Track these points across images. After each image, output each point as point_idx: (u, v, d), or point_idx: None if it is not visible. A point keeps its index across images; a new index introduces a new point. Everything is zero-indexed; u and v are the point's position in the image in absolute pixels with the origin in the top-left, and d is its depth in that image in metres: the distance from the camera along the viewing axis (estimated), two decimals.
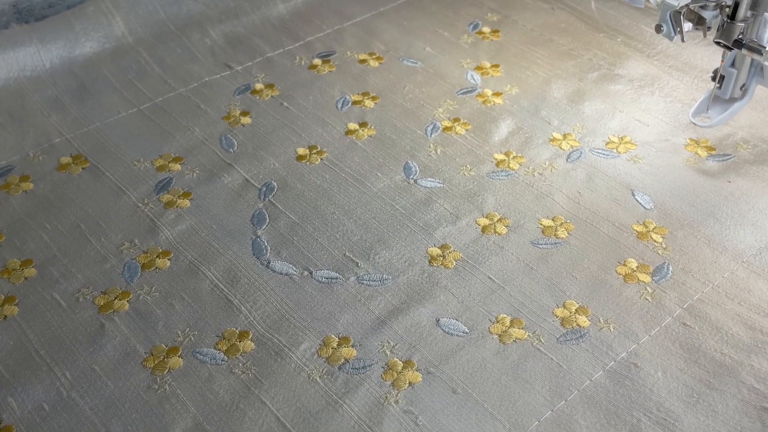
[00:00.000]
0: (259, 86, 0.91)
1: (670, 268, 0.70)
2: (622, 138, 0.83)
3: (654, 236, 0.72)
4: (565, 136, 0.83)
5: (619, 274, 0.69)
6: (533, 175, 0.79)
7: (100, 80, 0.92)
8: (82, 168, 0.81)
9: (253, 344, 0.64)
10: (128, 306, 0.68)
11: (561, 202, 0.76)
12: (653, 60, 0.94)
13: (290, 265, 0.71)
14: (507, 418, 0.59)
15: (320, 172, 0.80)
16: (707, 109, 0.81)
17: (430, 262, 0.71)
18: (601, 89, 0.90)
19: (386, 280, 0.69)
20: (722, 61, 0.79)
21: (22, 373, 0.63)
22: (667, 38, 0.78)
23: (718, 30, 0.77)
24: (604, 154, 0.81)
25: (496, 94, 0.89)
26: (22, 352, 0.64)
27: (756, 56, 0.75)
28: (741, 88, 0.80)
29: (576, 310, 0.66)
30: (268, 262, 0.71)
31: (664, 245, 0.72)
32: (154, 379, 0.62)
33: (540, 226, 0.74)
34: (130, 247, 0.73)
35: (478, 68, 0.93)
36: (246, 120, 0.87)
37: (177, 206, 0.76)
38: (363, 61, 0.94)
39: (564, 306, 0.67)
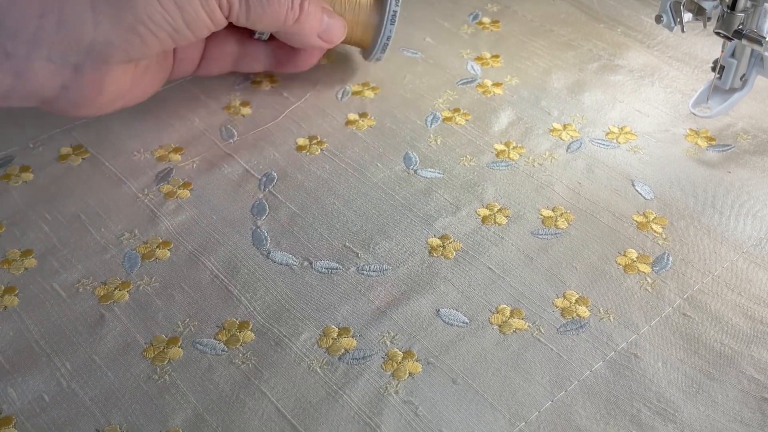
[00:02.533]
0: (259, 76, 0.91)
1: (670, 259, 0.70)
2: (622, 128, 0.83)
3: (654, 226, 0.72)
4: (565, 126, 0.83)
5: (619, 264, 0.69)
6: (533, 166, 0.79)
7: None
8: (82, 158, 0.81)
9: (253, 334, 0.64)
10: (128, 296, 0.68)
11: (561, 192, 0.76)
12: (653, 50, 0.94)
13: (290, 256, 0.71)
14: (507, 409, 0.59)
15: (320, 162, 0.80)
16: (707, 100, 0.81)
17: (430, 252, 0.71)
18: (601, 80, 0.90)
19: (386, 270, 0.69)
20: (722, 51, 0.79)
21: (21, 363, 0.63)
22: (667, 29, 0.79)
23: (718, 20, 0.76)
24: (604, 144, 0.81)
25: (496, 84, 0.89)
26: (22, 343, 0.64)
27: (756, 46, 0.75)
28: (741, 79, 0.80)
29: (576, 300, 0.66)
30: (268, 253, 0.71)
31: (664, 235, 0.72)
32: (154, 370, 0.62)
33: (540, 216, 0.74)
34: (130, 237, 0.73)
35: (478, 59, 0.93)
36: (246, 110, 0.87)
37: (177, 196, 0.76)
38: None
39: (564, 296, 0.67)
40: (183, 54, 0.81)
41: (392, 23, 0.84)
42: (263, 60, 0.87)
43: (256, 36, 0.85)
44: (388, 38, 0.85)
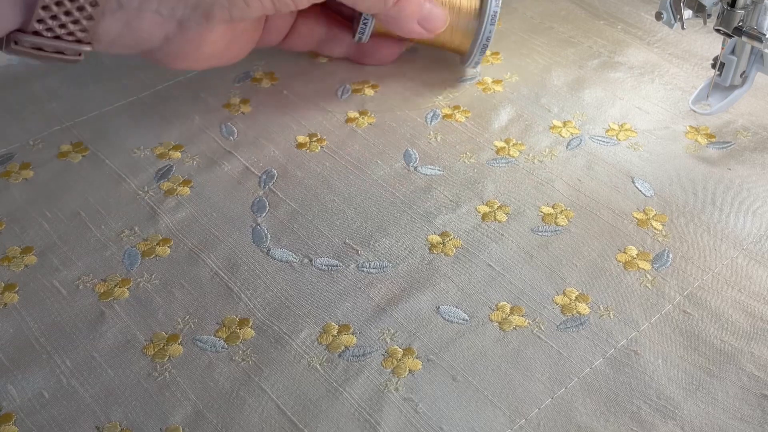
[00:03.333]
0: (259, 74, 0.91)
1: (670, 256, 0.70)
2: (622, 125, 0.83)
3: (654, 223, 0.72)
4: (565, 123, 0.83)
5: (619, 261, 0.69)
6: (533, 163, 0.79)
7: (99, 68, 0.92)
8: (82, 156, 0.81)
9: (253, 332, 0.64)
10: (128, 293, 0.68)
11: (561, 189, 0.76)
12: (653, 47, 0.94)
13: (290, 253, 0.71)
14: (507, 406, 0.59)
15: (320, 159, 0.80)
16: (707, 97, 0.81)
17: (430, 249, 0.71)
18: (601, 77, 0.90)
19: (386, 267, 0.69)
20: (722, 48, 0.79)
21: (22, 360, 0.63)
22: (667, 26, 0.78)
23: (718, 17, 0.76)
24: (604, 141, 0.81)
25: (496, 81, 0.89)
26: (22, 340, 0.64)
27: (756, 43, 0.75)
28: (741, 76, 0.79)
29: (576, 297, 0.66)
30: (268, 250, 0.71)
31: (664, 232, 0.72)
32: (154, 367, 0.62)
33: (540, 213, 0.74)
34: (131, 234, 0.73)
35: None
36: (246, 108, 0.87)
37: (177, 194, 0.76)
38: None
39: (564, 293, 0.67)
40: (273, 24, 0.83)
41: (492, 24, 0.84)
42: (347, 47, 0.91)
43: (356, 38, 0.87)
44: (488, 38, 0.85)
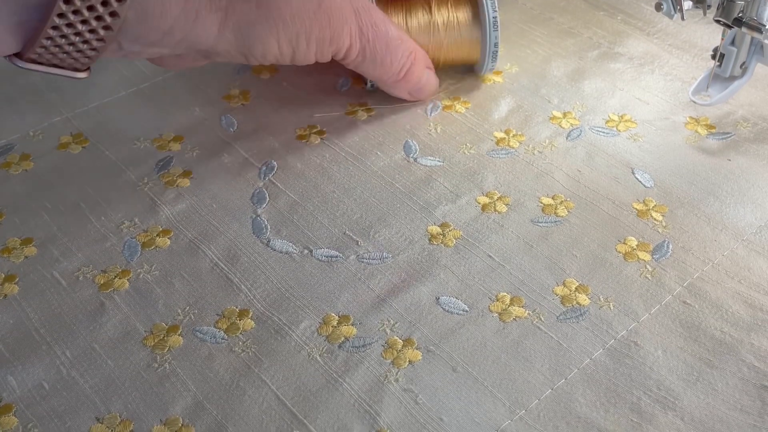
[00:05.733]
0: (258, 67, 0.91)
1: (670, 247, 0.70)
2: (622, 116, 0.83)
3: (654, 214, 0.72)
4: (565, 114, 0.83)
5: (619, 252, 0.69)
6: (533, 154, 0.79)
7: (100, 59, 0.92)
8: (82, 147, 0.81)
9: (253, 323, 0.65)
10: (128, 284, 0.68)
11: (561, 180, 0.76)
12: (653, 38, 0.94)
13: (290, 244, 0.71)
14: (507, 396, 0.59)
15: (320, 151, 0.80)
16: (707, 88, 0.81)
17: (430, 240, 0.71)
18: (601, 67, 0.90)
19: (386, 258, 0.69)
20: (722, 39, 0.78)
21: (21, 351, 0.63)
22: (667, 16, 0.78)
23: (718, 8, 0.76)
24: (604, 132, 0.81)
25: (496, 72, 0.89)
26: (22, 331, 0.64)
27: (756, 34, 0.75)
28: (741, 67, 0.79)
29: (576, 288, 0.66)
30: (268, 241, 0.71)
31: (664, 223, 0.72)
32: (154, 358, 0.62)
33: (540, 204, 0.74)
34: (131, 225, 0.73)
35: None
36: (246, 99, 0.87)
37: (177, 185, 0.76)
38: None
39: (564, 284, 0.67)
40: None
41: (495, 29, 0.83)
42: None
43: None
44: (496, 45, 0.84)
